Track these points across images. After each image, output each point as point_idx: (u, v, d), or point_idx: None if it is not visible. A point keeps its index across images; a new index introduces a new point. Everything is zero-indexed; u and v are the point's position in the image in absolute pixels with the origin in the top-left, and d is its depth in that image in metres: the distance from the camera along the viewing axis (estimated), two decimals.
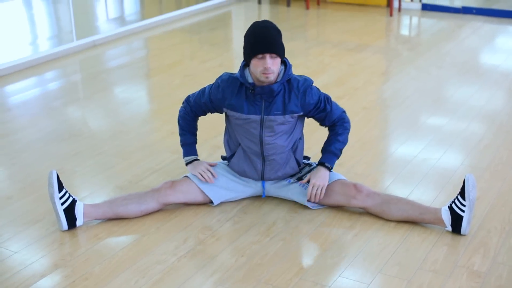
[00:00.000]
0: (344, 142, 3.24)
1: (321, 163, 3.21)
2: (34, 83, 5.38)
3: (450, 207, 3.03)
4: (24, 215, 3.23)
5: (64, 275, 2.76)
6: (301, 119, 3.23)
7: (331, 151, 3.20)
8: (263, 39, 2.97)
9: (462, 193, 3.00)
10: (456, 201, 3.02)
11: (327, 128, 3.29)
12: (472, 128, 4.28)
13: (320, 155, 3.27)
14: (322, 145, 3.28)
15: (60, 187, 3.03)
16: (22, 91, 5.15)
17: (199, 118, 3.36)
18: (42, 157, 3.89)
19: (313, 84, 3.16)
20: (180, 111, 3.34)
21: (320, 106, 3.17)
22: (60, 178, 3.49)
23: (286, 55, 3.11)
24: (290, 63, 3.13)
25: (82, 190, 3.48)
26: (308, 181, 3.22)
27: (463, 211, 2.98)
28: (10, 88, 5.21)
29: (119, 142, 4.10)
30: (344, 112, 3.26)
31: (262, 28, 3.02)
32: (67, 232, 3.06)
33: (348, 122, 3.25)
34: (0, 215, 3.24)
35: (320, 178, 3.16)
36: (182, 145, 3.35)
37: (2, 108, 4.72)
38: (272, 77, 3.01)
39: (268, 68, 2.97)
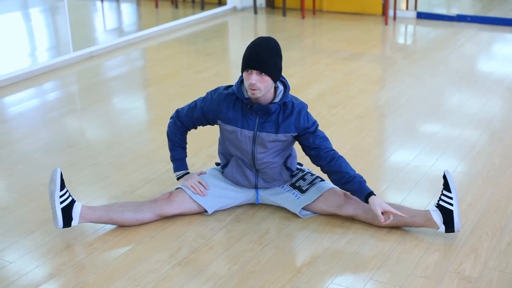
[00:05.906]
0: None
1: (369, 193, 3.07)
2: (31, 95, 5.40)
3: (438, 205, 3.07)
4: (20, 225, 3.26)
5: (58, 284, 2.78)
6: (294, 139, 3.22)
7: (361, 182, 3.12)
8: (254, 55, 2.98)
9: (446, 187, 3.05)
10: (442, 196, 3.07)
11: (320, 164, 3.19)
12: (465, 135, 4.31)
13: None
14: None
15: (62, 186, 3.05)
16: (19, 102, 5.18)
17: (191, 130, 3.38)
18: (38, 168, 3.92)
19: (307, 109, 3.17)
20: (169, 125, 3.33)
21: (311, 129, 3.15)
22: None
23: (283, 64, 3.11)
24: (288, 82, 3.14)
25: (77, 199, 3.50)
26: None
27: (451, 204, 3.02)
28: (7, 99, 5.25)
29: (115, 153, 4.13)
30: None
31: (257, 44, 3.02)
32: (62, 242, 3.09)
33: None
34: None
35: (381, 202, 3.06)
36: (172, 160, 3.35)
37: None
38: (258, 94, 3.02)
39: (252, 84, 2.98)
